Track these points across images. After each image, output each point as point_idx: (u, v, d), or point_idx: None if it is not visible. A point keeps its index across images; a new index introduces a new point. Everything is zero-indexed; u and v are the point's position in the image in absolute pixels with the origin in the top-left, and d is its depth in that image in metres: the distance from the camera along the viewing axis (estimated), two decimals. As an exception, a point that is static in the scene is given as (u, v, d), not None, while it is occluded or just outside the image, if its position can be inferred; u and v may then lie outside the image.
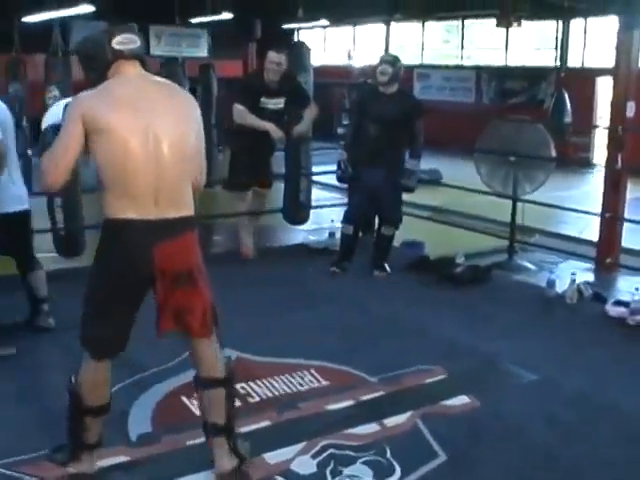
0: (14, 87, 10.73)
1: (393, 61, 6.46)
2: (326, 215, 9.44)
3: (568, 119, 14.96)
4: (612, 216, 7.98)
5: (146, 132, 3.02)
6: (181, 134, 3.12)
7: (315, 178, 10.14)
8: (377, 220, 6.96)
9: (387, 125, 6.35)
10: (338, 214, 7.11)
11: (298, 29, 22.62)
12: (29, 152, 8.41)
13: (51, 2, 10.63)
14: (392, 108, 6.35)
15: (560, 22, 18.40)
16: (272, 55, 6.50)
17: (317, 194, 11.00)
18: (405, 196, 6.86)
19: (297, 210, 8.06)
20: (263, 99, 6.56)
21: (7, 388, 4.23)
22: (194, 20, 15.35)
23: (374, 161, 6.41)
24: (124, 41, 3.12)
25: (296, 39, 22.87)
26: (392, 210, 6.66)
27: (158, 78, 3.27)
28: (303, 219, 8.29)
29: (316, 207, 8.97)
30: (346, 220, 6.75)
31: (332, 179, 7.26)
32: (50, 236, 6.96)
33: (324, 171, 9.47)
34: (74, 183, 6.56)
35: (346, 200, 7.72)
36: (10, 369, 4.47)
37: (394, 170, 6.48)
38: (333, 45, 24.26)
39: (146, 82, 3.19)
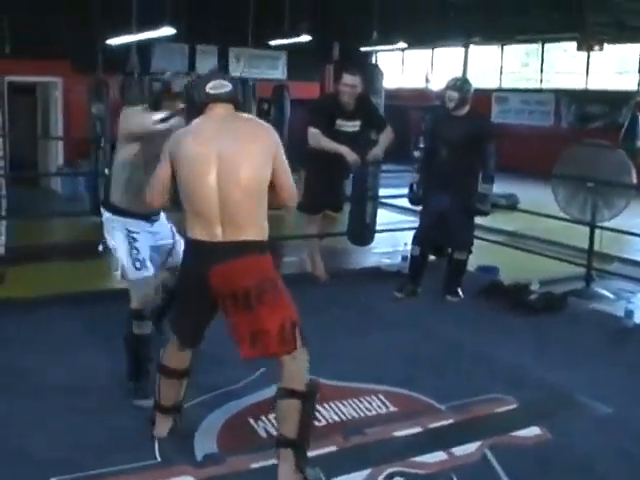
0: (97, 107, 10.94)
1: (459, 86, 6.41)
2: (401, 238, 9.40)
3: (640, 143, 14.71)
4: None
5: (215, 161, 3.38)
6: (252, 165, 3.41)
7: (390, 201, 10.12)
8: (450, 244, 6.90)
9: (457, 148, 6.31)
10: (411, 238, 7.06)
11: (375, 52, 22.66)
12: (106, 171, 8.54)
13: (134, 25, 10.84)
14: (461, 131, 6.31)
15: (643, 45, 18.07)
16: (346, 77, 6.49)
17: (392, 217, 10.99)
18: (481, 220, 6.79)
19: (362, 232, 8.05)
20: (339, 121, 6.54)
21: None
22: (272, 42, 15.49)
23: (444, 184, 6.37)
24: (217, 86, 3.56)
25: (373, 62, 22.95)
26: (462, 234, 6.59)
27: (245, 115, 3.69)
28: (367, 241, 8.28)
29: (388, 230, 8.95)
30: (414, 241, 6.72)
31: (407, 202, 7.25)
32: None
33: (396, 194, 9.43)
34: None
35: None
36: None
37: (464, 193, 6.42)
38: (411, 68, 24.21)
39: (230, 119, 3.57)
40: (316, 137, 6.45)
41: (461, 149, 6.31)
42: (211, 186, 3.37)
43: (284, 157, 3.55)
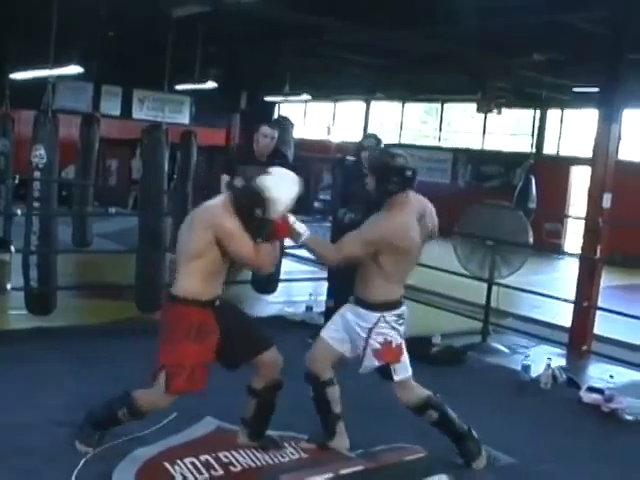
0: (1, 142, 10.74)
1: (374, 146, 6.63)
2: (301, 288, 9.50)
3: (532, 205, 15.25)
4: (587, 305, 8.07)
5: None
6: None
7: (291, 251, 10.22)
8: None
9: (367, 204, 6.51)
10: (315, 288, 7.16)
11: (279, 102, 22.93)
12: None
13: (42, 61, 10.74)
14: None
15: (538, 110, 18.85)
16: (265, 129, 6.61)
17: (293, 267, 11.07)
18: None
19: (267, 280, 8.15)
20: (249, 168, 6.64)
21: None
22: (179, 87, 15.49)
23: None
24: None
25: (277, 112, 23.21)
26: None
27: None
28: (272, 289, 8.40)
29: (289, 280, 9.04)
30: (329, 295, 6.87)
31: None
32: (23, 294, 6.94)
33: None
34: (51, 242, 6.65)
35: (323, 274, 7.87)
36: None
37: None
38: (313, 119, 24.60)
39: None
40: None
41: (372, 204, 6.50)
42: None
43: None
